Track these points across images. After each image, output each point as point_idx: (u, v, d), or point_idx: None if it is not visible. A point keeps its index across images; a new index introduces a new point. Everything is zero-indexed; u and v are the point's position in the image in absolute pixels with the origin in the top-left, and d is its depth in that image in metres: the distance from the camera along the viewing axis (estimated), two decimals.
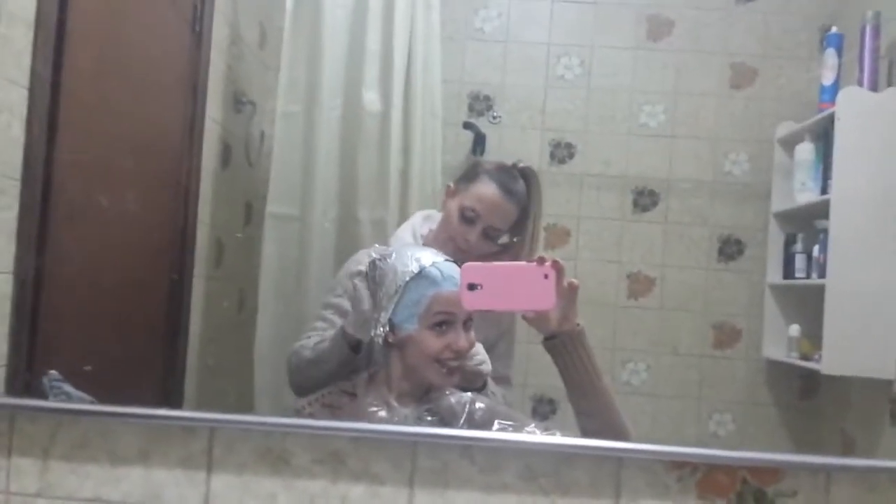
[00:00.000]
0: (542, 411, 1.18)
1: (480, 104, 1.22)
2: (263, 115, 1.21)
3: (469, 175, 1.10)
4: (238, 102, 1.19)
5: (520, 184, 1.09)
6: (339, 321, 1.05)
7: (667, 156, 1.22)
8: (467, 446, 0.95)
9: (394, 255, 1.00)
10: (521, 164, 1.10)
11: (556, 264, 0.88)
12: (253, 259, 1.18)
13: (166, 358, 1.12)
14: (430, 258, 0.99)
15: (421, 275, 0.97)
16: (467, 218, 1.07)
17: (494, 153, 1.21)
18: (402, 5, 1.17)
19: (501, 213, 1.08)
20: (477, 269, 0.90)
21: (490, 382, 1.06)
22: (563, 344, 0.93)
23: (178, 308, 1.11)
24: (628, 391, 1.20)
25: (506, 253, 1.09)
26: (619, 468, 0.94)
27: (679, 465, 0.94)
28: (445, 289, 0.97)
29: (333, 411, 1.01)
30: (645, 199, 1.22)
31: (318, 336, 1.05)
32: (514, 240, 1.09)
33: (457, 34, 1.23)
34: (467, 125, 1.21)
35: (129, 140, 1.06)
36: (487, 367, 1.04)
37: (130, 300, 1.07)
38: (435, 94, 1.20)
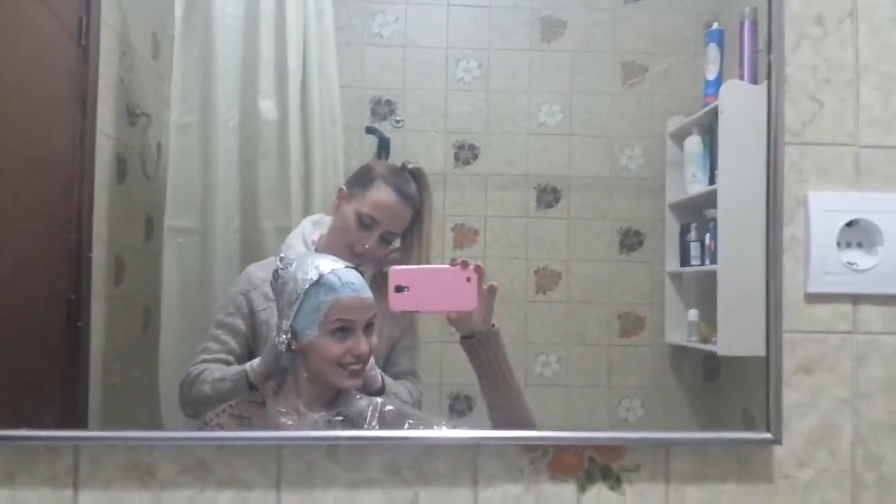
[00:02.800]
0: (459, 408, 1.19)
1: (383, 108, 1.22)
2: (160, 127, 1.18)
3: (363, 180, 1.12)
4: (132, 115, 1.16)
5: (412, 186, 1.12)
6: (232, 342, 1.06)
7: (566, 153, 1.26)
8: (332, 446, 0.98)
9: (294, 263, 1.01)
10: (411, 166, 1.13)
11: (478, 268, 0.95)
12: (156, 275, 1.15)
13: (68, 380, 1.08)
14: (330, 265, 1.00)
15: (320, 282, 0.99)
16: (365, 225, 1.09)
17: (399, 157, 1.21)
18: (294, 13, 1.16)
19: (398, 218, 1.11)
20: (403, 272, 0.96)
21: (389, 382, 1.07)
22: (480, 343, 1.00)
23: (77, 328, 1.08)
24: (541, 383, 1.23)
25: (399, 254, 1.12)
26: (476, 456, 1.01)
27: (531, 449, 1.01)
28: (344, 295, 0.99)
29: (242, 421, 1.02)
30: (548, 196, 1.24)
31: (213, 360, 1.06)
32: (407, 241, 1.12)
33: (355, 39, 1.23)
34: (370, 130, 1.21)
35: (14, 159, 1.02)
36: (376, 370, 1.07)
37: (25, 323, 1.04)
38: (333, 100, 1.20)
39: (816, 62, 1.08)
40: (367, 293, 1.02)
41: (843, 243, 1.07)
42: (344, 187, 1.13)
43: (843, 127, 1.08)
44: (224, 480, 0.98)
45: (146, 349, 1.16)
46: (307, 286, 1.00)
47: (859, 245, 1.08)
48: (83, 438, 0.97)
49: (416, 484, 1.01)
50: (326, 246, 1.11)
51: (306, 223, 1.14)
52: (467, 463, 1.02)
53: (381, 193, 1.11)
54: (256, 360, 1.05)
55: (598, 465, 1.04)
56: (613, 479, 1.03)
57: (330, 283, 1.00)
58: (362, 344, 1.01)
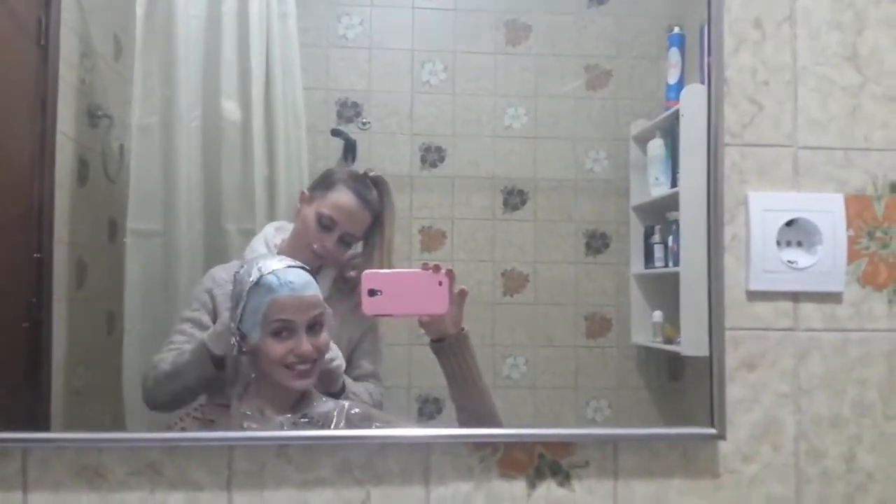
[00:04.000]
0: (428, 411, 1.19)
1: (349, 111, 1.22)
2: (123, 128, 1.17)
3: (325, 183, 1.13)
4: (93, 116, 1.15)
5: (373, 192, 1.13)
6: (198, 334, 1.05)
7: (531, 156, 1.26)
8: (283, 446, 0.99)
9: (245, 265, 1.01)
10: (372, 174, 1.15)
11: (449, 272, 0.98)
12: (119, 278, 1.14)
13: (29, 383, 1.07)
14: (273, 266, 1.00)
15: (259, 283, 0.99)
16: (325, 225, 1.11)
17: (365, 159, 1.21)
18: (256, 15, 1.16)
19: (357, 221, 1.12)
20: (376, 276, 0.98)
21: (349, 383, 1.08)
22: (450, 347, 1.01)
23: (38, 332, 1.06)
24: (509, 385, 1.23)
25: (362, 259, 1.13)
26: (428, 454, 1.02)
27: (481, 447, 1.03)
28: (281, 295, 0.98)
29: (206, 425, 1.01)
30: (514, 199, 1.25)
31: (176, 350, 1.04)
32: (369, 246, 1.13)
33: (320, 42, 1.23)
34: (336, 132, 1.21)
35: None
36: (339, 363, 1.07)
37: None
38: (297, 101, 1.20)
39: (756, 65, 1.11)
40: (308, 292, 1.02)
41: (784, 242, 1.09)
42: (306, 191, 1.15)
43: (782, 128, 1.11)
44: (175, 482, 0.98)
45: (111, 353, 1.14)
46: (248, 287, 1.00)
47: (799, 244, 1.10)
48: (31, 440, 0.97)
49: (369, 483, 1.01)
50: (288, 248, 1.12)
51: (269, 228, 1.15)
52: (419, 461, 1.03)
53: (342, 196, 1.13)
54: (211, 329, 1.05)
55: (547, 461, 1.05)
56: (563, 476, 1.05)
57: (268, 283, 1.00)
58: (304, 344, 1.01)
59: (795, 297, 1.09)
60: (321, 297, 1.03)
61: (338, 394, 1.08)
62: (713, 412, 1.05)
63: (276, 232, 1.14)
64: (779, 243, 1.08)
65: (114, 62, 1.20)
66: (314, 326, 1.02)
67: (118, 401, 1.13)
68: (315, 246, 1.11)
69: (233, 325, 1.01)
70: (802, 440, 1.09)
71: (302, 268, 1.03)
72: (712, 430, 1.05)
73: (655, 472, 1.06)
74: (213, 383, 1.05)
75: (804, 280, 1.09)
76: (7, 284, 1.06)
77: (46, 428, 1.04)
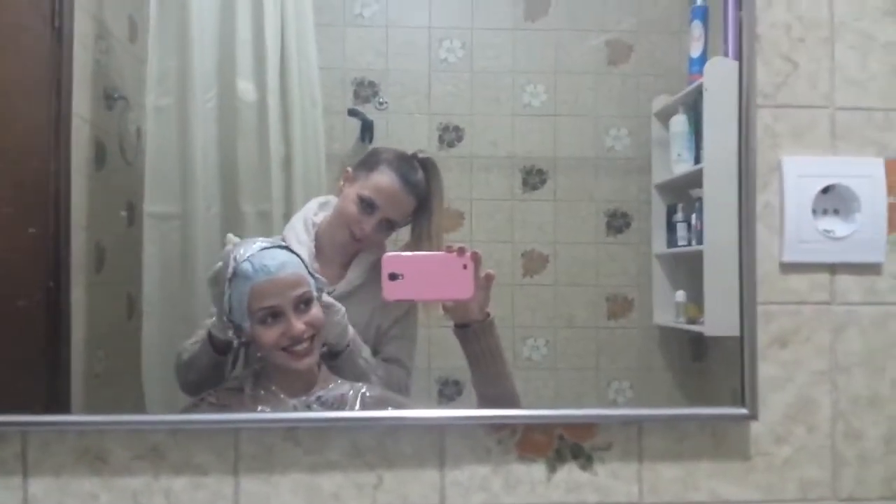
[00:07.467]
0: (448, 393, 1.18)
1: (366, 90, 1.21)
2: (140, 110, 1.16)
3: (368, 163, 1.10)
4: (109, 98, 1.14)
5: (419, 175, 1.10)
6: None
7: (551, 134, 1.24)
8: (291, 429, 0.96)
9: (225, 252, 0.99)
10: (422, 155, 1.11)
11: (475, 255, 0.93)
12: (138, 262, 1.14)
13: (49, 368, 1.07)
14: (248, 251, 0.97)
15: (236, 273, 0.96)
16: (364, 207, 1.07)
17: (383, 140, 1.20)
18: None
19: (399, 205, 1.09)
20: (398, 259, 0.93)
21: (363, 351, 1.06)
22: (475, 333, 0.98)
23: (58, 317, 1.06)
24: (529, 366, 1.22)
25: (410, 248, 1.10)
26: (443, 436, 0.99)
27: (498, 429, 1.00)
28: (258, 282, 0.96)
29: (221, 409, 1.00)
30: (534, 178, 1.23)
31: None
32: (416, 234, 1.10)
33: (336, 20, 1.21)
34: (353, 112, 1.20)
35: None
36: (339, 317, 1.03)
37: (2, 313, 1.02)
38: (313, 81, 1.18)
39: (790, 20, 1.05)
40: (286, 271, 0.99)
41: (820, 210, 1.06)
42: (350, 169, 1.12)
43: (818, 88, 1.05)
44: (179, 466, 0.96)
45: (132, 337, 1.14)
46: (228, 278, 0.98)
47: (836, 212, 1.06)
48: (31, 423, 0.94)
49: (380, 466, 0.99)
50: (328, 228, 1.10)
51: (313, 204, 1.13)
52: (433, 444, 1.00)
53: (384, 178, 1.09)
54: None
55: (568, 443, 1.02)
56: (584, 459, 1.02)
57: (244, 272, 0.97)
58: (294, 326, 0.98)
59: (832, 268, 1.05)
60: (301, 272, 1.00)
61: (342, 351, 1.05)
62: (744, 391, 1.02)
63: (318, 209, 1.11)
64: (814, 212, 1.04)
65: (129, 44, 1.19)
66: (303, 304, 0.99)
67: (139, 384, 1.12)
68: (353, 228, 1.08)
69: (224, 317, 0.99)
70: (839, 420, 1.05)
71: (279, 246, 1.01)
72: (743, 411, 1.02)
73: (683, 454, 1.03)
74: (226, 369, 1.04)
75: (841, 251, 1.04)
76: (24, 270, 1.05)
77: (67, 412, 1.04)
